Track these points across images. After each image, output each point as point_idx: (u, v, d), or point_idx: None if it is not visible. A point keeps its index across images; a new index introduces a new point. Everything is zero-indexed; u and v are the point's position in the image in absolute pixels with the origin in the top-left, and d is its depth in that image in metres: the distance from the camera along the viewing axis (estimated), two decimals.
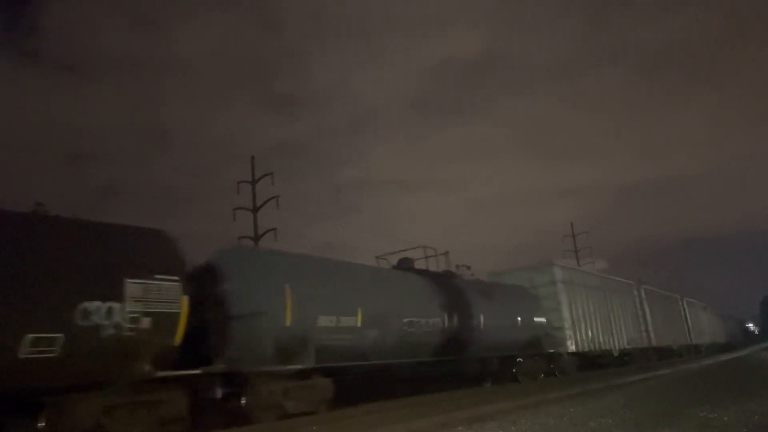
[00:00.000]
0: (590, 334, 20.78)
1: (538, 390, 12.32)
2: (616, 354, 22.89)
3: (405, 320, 11.88)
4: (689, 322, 37.59)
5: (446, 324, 13.22)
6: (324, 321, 9.99)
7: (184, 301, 7.89)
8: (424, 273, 14.31)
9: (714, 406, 7.95)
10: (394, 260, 15.18)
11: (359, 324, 10.71)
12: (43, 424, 6.80)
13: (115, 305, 7.11)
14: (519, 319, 16.43)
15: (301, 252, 12.61)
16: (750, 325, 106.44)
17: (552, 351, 18.24)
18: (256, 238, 24.87)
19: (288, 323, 9.31)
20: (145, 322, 7.38)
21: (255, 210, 25.20)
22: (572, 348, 19.19)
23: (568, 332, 19.16)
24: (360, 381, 11.34)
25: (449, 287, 14.03)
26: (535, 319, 17.49)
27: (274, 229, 24.85)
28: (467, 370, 14.30)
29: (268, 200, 25.16)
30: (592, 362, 21.62)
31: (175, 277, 7.87)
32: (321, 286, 10.37)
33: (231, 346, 8.60)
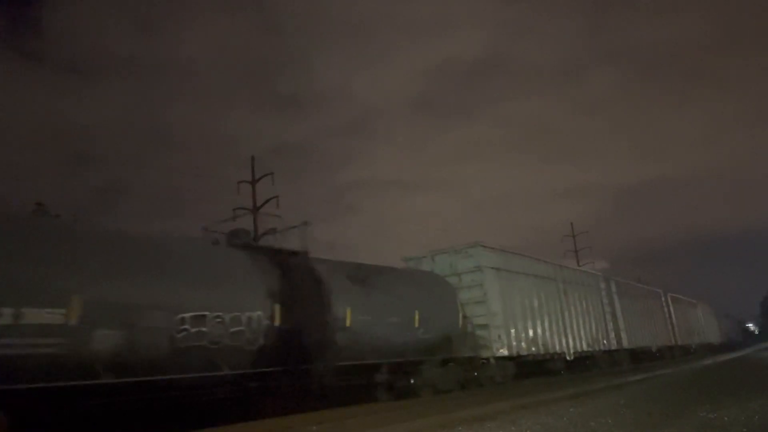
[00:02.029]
0: (532, 333, 16.76)
1: (538, 390, 12.34)
2: (570, 358, 18.84)
3: (184, 315, 7.89)
4: (674, 320, 33.51)
5: (277, 320, 9.24)
6: None
7: None
8: (254, 249, 10.28)
9: (714, 406, 7.87)
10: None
11: (74, 321, 6.72)
12: None
13: None
14: (417, 314, 12.42)
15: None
16: (750, 325, 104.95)
17: (472, 355, 14.23)
18: (256, 237, 22.45)
19: None
20: None
21: (255, 210, 24.90)
22: (503, 351, 15.16)
23: (498, 331, 15.13)
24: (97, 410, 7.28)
25: (291, 269, 10.01)
26: (446, 314, 13.49)
27: (274, 228, 22.51)
28: (326, 382, 10.26)
29: (269, 200, 24.86)
30: (538, 368, 17.62)
31: None
32: None
33: None
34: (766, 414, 7.02)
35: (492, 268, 15.67)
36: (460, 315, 14.02)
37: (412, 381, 12.55)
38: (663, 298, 32.76)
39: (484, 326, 15.00)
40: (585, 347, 20.13)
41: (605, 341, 22.01)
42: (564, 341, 18.72)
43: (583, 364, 20.99)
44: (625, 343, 24.12)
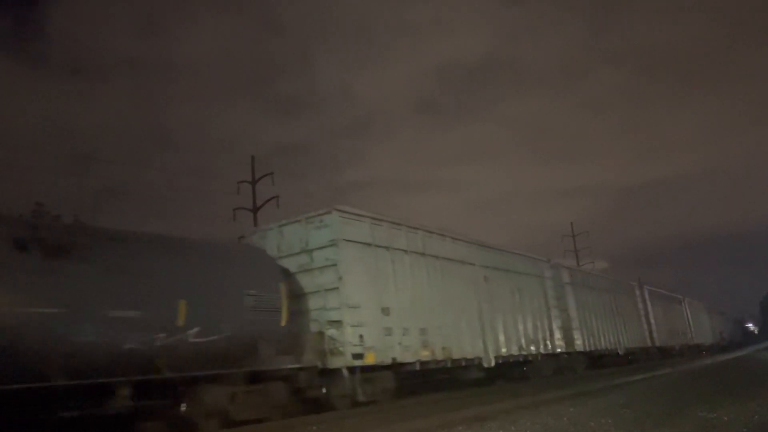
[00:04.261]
0: (424, 334, 12.30)
1: (538, 390, 12.11)
2: (489, 364, 14.38)
3: None
4: (651, 318, 29.04)
5: None
6: None
7: None
8: None
9: (714, 406, 7.74)
10: None
11: None
12: None
13: None
14: (184, 305, 7.98)
15: None
16: (749, 325, 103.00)
17: (299, 367, 9.78)
18: None
19: None
20: None
21: (255, 210, 24.68)
22: (367, 359, 10.71)
23: (360, 330, 10.69)
24: None
25: None
26: (251, 306, 9.03)
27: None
28: None
29: (269, 200, 24.62)
30: (424, 381, 13.25)
31: None
32: None
33: None
34: (766, 414, 6.96)
35: (353, 242, 11.23)
36: (285, 307, 9.59)
37: (183, 408, 8.12)
38: (638, 292, 28.30)
39: (336, 323, 10.58)
40: (515, 350, 15.67)
41: (548, 343, 17.53)
42: (481, 343, 14.27)
43: (517, 370, 16.62)
44: (580, 345, 19.65)
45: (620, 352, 23.00)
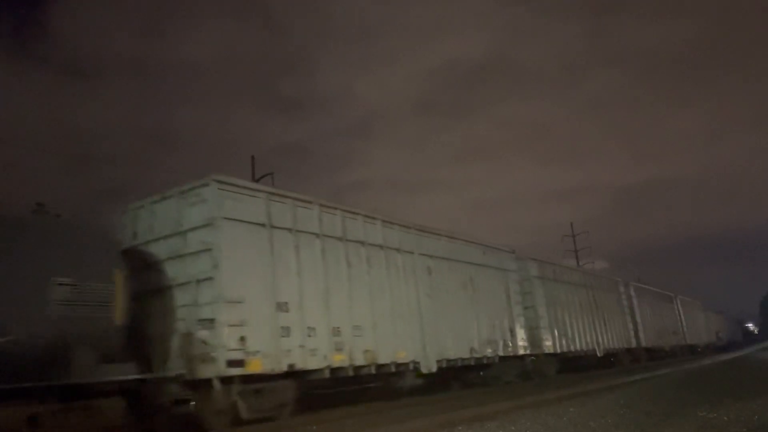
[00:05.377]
0: (331, 333, 10.14)
1: (538, 390, 12.22)
2: (424, 375, 12.23)
3: None
4: (638, 317, 26.86)
5: None
6: None
7: None
8: None
9: (714, 406, 7.78)
10: None
11: None
12: None
13: None
14: None
15: None
16: (749, 325, 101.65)
17: (141, 378, 7.61)
18: None
19: None
20: None
21: None
22: (229, 368, 8.45)
23: (231, 331, 8.49)
24: None
25: None
26: (66, 299, 6.87)
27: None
28: None
29: None
30: (345, 391, 11.14)
31: None
32: None
33: None
34: (766, 414, 6.91)
35: (239, 221, 9.07)
36: (120, 301, 7.44)
37: None
38: (622, 289, 26.13)
39: (209, 322, 8.43)
40: (465, 353, 13.53)
41: (509, 344, 15.37)
42: (420, 345, 12.13)
43: (473, 375, 14.57)
44: (549, 346, 17.49)
45: (599, 354, 20.80)
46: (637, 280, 30.16)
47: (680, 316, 35.03)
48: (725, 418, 6.81)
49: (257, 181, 23.24)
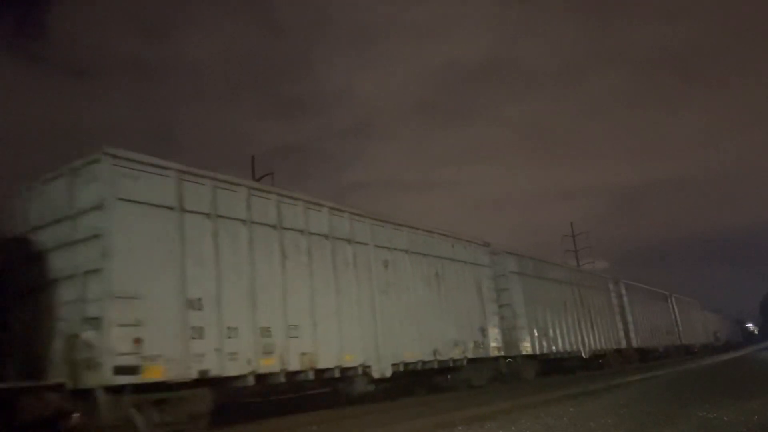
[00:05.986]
0: (256, 332, 8.83)
1: (538, 390, 12.15)
2: (376, 380, 10.92)
3: None
4: (629, 316, 25.56)
5: None
6: None
7: None
8: None
9: (714, 406, 7.74)
10: None
11: None
12: None
13: None
14: None
15: None
16: (749, 325, 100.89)
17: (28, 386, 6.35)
18: None
19: None
20: None
21: None
22: (117, 376, 7.08)
23: (122, 332, 7.12)
24: None
25: None
26: None
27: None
28: None
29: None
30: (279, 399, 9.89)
31: None
32: None
33: None
34: (766, 414, 6.94)
35: (139, 203, 7.75)
36: None
37: None
38: (612, 287, 24.82)
39: (95, 321, 7.13)
40: (428, 355, 12.23)
41: (480, 345, 14.06)
42: (372, 346, 10.84)
43: (440, 378, 13.30)
44: (528, 347, 16.17)
45: (584, 355, 19.48)
46: (634, 279, 28.88)
47: (675, 315, 33.74)
48: (725, 418, 6.81)
49: (258, 180, 22.21)
